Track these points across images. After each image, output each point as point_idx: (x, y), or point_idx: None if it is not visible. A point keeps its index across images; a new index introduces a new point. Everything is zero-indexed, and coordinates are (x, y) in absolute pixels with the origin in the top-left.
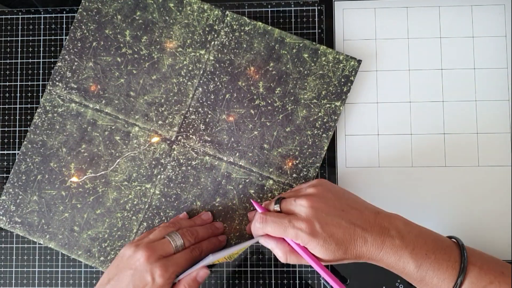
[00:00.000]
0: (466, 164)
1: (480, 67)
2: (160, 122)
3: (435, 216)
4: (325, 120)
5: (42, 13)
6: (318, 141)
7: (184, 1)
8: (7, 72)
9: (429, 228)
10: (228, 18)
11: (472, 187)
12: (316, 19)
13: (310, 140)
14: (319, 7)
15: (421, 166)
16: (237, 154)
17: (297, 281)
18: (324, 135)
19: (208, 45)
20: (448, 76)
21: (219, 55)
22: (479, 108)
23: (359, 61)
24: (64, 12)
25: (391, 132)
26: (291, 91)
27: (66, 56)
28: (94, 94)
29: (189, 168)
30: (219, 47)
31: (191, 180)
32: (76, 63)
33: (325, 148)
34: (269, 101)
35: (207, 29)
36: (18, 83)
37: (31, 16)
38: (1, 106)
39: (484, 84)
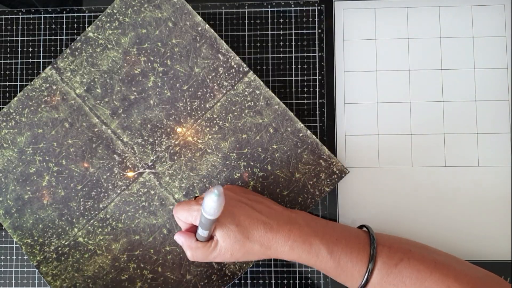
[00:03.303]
0: (466, 164)
1: (480, 67)
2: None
3: (434, 216)
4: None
5: (42, 13)
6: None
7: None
8: (7, 72)
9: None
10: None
11: (472, 187)
12: (316, 19)
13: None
14: (319, 7)
15: (421, 166)
16: None
17: (297, 281)
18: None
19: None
20: (448, 76)
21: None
22: (479, 108)
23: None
24: (64, 12)
25: (391, 132)
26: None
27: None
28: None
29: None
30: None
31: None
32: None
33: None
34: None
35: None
36: (18, 83)
37: (31, 16)
38: (1, 106)
39: (484, 84)
